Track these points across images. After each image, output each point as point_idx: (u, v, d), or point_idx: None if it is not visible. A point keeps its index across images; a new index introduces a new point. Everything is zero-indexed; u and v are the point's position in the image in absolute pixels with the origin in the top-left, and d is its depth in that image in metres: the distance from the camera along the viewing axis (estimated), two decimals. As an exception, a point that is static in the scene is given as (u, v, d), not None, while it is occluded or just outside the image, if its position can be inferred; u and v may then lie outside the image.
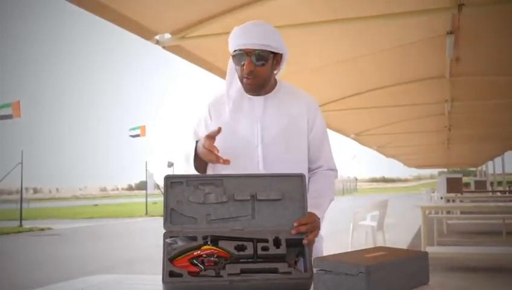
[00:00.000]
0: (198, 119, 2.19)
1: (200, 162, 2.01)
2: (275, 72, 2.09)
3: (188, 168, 2.05)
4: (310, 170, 2.13)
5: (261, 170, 2.00)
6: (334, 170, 2.18)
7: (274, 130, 2.04)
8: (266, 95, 2.09)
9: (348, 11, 4.55)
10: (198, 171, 2.04)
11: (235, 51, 1.97)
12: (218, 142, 1.94)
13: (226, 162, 1.88)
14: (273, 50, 1.98)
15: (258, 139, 2.03)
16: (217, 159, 1.88)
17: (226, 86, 2.09)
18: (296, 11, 4.49)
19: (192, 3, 4.07)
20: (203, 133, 2.13)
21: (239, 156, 2.00)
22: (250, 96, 2.09)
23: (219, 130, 1.91)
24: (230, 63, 2.07)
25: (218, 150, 1.91)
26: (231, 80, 2.08)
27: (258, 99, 2.08)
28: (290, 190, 1.75)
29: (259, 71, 1.98)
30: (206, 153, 1.91)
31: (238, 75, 2.04)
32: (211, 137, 1.92)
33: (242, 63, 1.97)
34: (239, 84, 2.08)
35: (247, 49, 1.94)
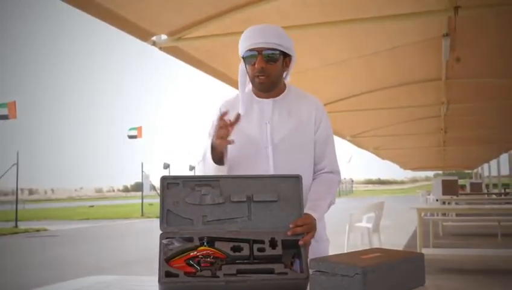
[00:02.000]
0: (212, 122, 2.21)
1: (216, 154, 2.00)
2: (284, 74, 2.14)
3: (204, 167, 2.06)
4: (313, 171, 2.15)
5: (271, 170, 2.03)
6: (337, 173, 2.20)
7: (283, 131, 2.08)
8: (275, 98, 2.13)
9: (343, 13, 4.56)
10: (217, 164, 2.02)
11: (246, 51, 2.02)
12: (230, 145, 1.97)
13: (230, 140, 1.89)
14: (283, 50, 2.03)
15: (268, 140, 2.07)
16: (226, 128, 1.87)
17: (239, 89, 2.13)
18: (292, 13, 4.50)
19: (189, 4, 4.07)
20: None
21: (250, 158, 2.05)
22: (259, 99, 2.13)
23: (238, 117, 1.91)
24: (241, 67, 2.11)
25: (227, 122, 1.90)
26: (243, 83, 2.13)
27: (267, 102, 2.12)
28: (286, 191, 1.75)
29: (270, 69, 2.02)
30: (217, 132, 1.89)
31: (249, 75, 2.07)
32: (225, 121, 1.90)
33: (253, 62, 2.01)
34: (249, 87, 2.13)
35: (258, 47, 1.99)
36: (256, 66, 2.00)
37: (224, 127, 1.88)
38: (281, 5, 4.28)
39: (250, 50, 2.01)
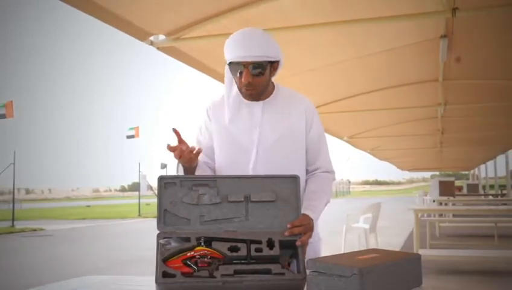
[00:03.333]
0: (199, 127, 2.18)
1: (189, 172, 1.98)
2: (272, 78, 2.09)
3: None
4: (307, 172, 2.13)
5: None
6: (331, 172, 2.17)
7: (273, 135, 2.04)
8: (264, 101, 2.08)
9: (341, 13, 4.57)
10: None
11: (231, 62, 1.96)
12: (218, 149, 1.99)
13: (199, 150, 1.88)
14: (270, 60, 1.97)
15: (257, 144, 2.03)
16: (180, 150, 1.86)
17: (225, 93, 2.08)
18: (290, 13, 4.49)
19: (187, 4, 4.07)
20: (204, 138, 2.13)
21: (238, 162, 2.01)
22: (248, 102, 2.08)
23: (199, 151, 1.90)
24: (227, 70, 2.05)
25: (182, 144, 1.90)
26: (229, 86, 2.07)
27: (257, 105, 2.08)
28: (283, 191, 1.75)
29: (258, 81, 1.97)
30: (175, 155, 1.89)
31: (236, 83, 2.02)
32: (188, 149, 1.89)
33: (239, 74, 1.95)
34: (236, 90, 2.08)
35: (245, 61, 1.92)
36: (243, 80, 1.94)
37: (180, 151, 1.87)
38: (279, 6, 4.27)
39: (236, 62, 1.93)
